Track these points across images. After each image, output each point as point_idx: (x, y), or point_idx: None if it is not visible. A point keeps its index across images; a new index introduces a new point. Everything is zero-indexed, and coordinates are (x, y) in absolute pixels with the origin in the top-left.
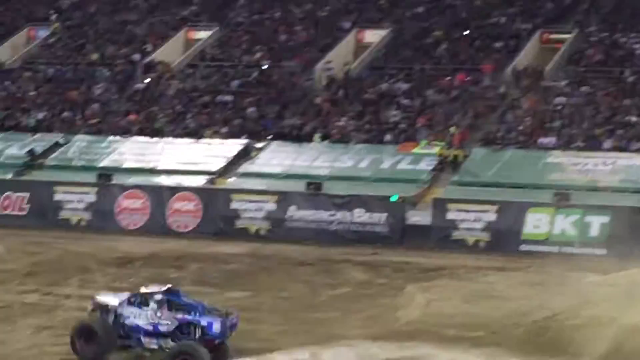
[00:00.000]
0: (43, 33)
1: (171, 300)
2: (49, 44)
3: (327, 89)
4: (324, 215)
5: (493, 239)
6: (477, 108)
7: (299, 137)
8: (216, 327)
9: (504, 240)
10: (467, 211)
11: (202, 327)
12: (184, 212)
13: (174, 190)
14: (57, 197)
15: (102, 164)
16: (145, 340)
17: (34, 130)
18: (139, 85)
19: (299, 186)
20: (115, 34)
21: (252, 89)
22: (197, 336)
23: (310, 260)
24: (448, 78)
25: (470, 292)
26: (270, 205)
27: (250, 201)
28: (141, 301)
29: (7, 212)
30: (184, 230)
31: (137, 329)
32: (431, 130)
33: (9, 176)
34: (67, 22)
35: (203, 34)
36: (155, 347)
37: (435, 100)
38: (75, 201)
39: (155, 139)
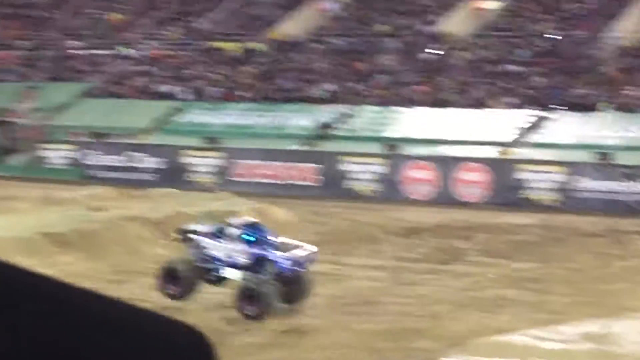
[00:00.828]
0: (331, 5)
1: (247, 234)
2: (337, 16)
3: (617, 58)
4: (613, 185)
5: None
6: None
7: (587, 106)
8: (287, 263)
9: None
10: None
11: (273, 262)
12: (472, 183)
13: (462, 160)
14: (345, 167)
15: (389, 135)
16: (226, 271)
17: (323, 101)
18: (426, 56)
19: (588, 156)
20: (403, 5)
21: (540, 58)
22: (271, 271)
23: (599, 231)
24: None
25: None
26: (559, 176)
27: (539, 171)
28: (220, 233)
29: (297, 182)
30: (471, 201)
31: (216, 259)
32: None
33: (299, 147)
34: None
35: (490, 4)
36: (235, 278)
37: None
38: (363, 172)
39: (442, 110)
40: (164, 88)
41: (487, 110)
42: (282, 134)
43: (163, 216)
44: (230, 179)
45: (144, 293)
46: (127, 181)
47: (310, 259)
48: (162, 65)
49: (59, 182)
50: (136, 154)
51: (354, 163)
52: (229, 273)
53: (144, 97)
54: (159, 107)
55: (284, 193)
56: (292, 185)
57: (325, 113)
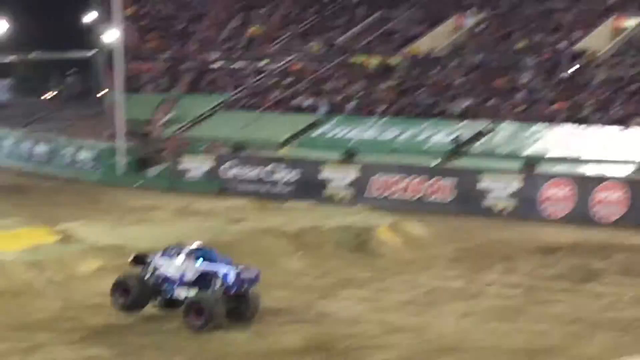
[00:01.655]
0: (470, 21)
1: (197, 254)
2: (476, 32)
3: None
4: None
5: None
6: None
7: None
8: (230, 277)
9: None
10: None
11: (219, 278)
12: (610, 202)
13: (600, 179)
14: (482, 184)
15: (527, 152)
16: (176, 291)
17: (460, 117)
18: (565, 74)
19: None
20: (542, 22)
21: None
22: (217, 286)
23: None
24: None
25: None
26: None
27: None
28: (173, 253)
29: (433, 198)
30: (609, 221)
31: (167, 279)
32: None
33: (435, 163)
34: (495, 11)
35: (632, 22)
36: (183, 297)
37: None
38: (499, 189)
39: (581, 127)
40: (302, 101)
41: (627, 128)
42: (419, 149)
43: (298, 229)
44: (366, 193)
45: (277, 305)
46: (264, 194)
47: (254, 278)
48: (301, 78)
49: (197, 193)
50: (273, 167)
51: (490, 180)
52: (178, 293)
53: (282, 110)
54: (297, 121)
55: (419, 209)
56: (428, 201)
57: (463, 129)
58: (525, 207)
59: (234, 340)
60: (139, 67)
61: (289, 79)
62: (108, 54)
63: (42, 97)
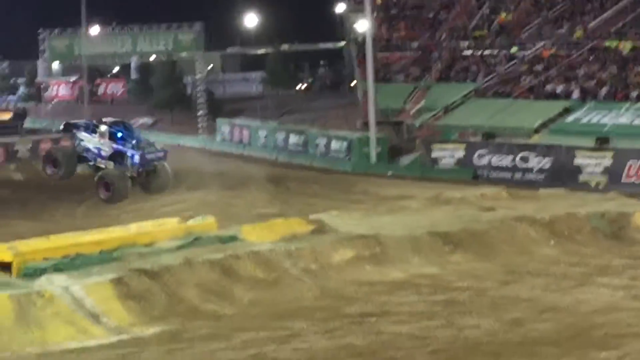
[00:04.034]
0: None
1: (112, 132)
2: None
3: None
4: None
5: None
6: None
7: None
8: (136, 158)
9: None
10: None
11: (128, 157)
12: None
13: None
14: None
15: None
16: (98, 160)
17: None
18: None
19: None
20: None
21: None
22: (127, 163)
23: None
24: None
25: None
26: None
27: None
28: (92, 129)
29: None
30: None
31: (89, 150)
32: None
33: None
34: None
35: None
36: (103, 166)
37: None
38: None
39: None
40: (553, 88)
41: None
42: None
43: (552, 216)
44: (621, 179)
45: (531, 294)
46: (515, 181)
47: (158, 157)
48: (552, 65)
49: (449, 181)
50: (526, 154)
51: None
52: (99, 163)
53: (533, 96)
54: (548, 107)
55: None
56: None
57: None
58: None
59: (489, 329)
60: (389, 57)
61: (540, 66)
62: (359, 44)
63: (294, 89)
